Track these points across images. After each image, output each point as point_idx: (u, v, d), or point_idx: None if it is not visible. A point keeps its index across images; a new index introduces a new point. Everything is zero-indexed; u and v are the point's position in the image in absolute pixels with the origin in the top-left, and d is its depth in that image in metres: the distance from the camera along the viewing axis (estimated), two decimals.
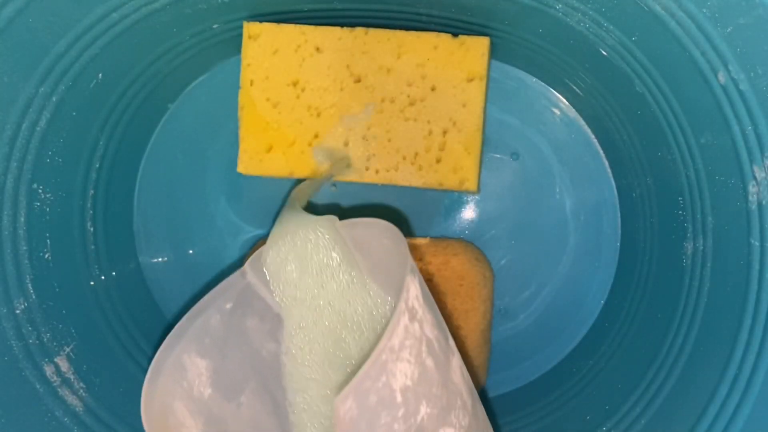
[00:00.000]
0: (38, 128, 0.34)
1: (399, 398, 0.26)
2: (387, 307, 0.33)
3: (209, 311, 0.33)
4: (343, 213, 0.44)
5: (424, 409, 0.27)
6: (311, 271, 0.33)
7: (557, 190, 0.43)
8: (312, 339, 0.34)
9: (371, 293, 0.33)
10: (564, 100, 0.43)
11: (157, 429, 0.30)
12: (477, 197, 0.43)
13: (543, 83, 0.42)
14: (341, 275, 0.33)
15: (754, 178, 0.27)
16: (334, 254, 0.33)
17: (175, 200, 0.44)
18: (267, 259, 0.34)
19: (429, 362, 0.28)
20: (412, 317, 0.27)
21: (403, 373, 0.26)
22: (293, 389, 0.34)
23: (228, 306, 0.34)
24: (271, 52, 0.38)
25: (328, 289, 0.33)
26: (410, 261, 0.29)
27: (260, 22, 0.38)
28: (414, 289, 0.28)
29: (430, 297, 0.30)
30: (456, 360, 0.31)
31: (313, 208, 0.37)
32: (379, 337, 0.29)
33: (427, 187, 0.38)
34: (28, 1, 0.30)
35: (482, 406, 0.33)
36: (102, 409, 0.35)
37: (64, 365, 0.35)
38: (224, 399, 0.33)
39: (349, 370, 0.33)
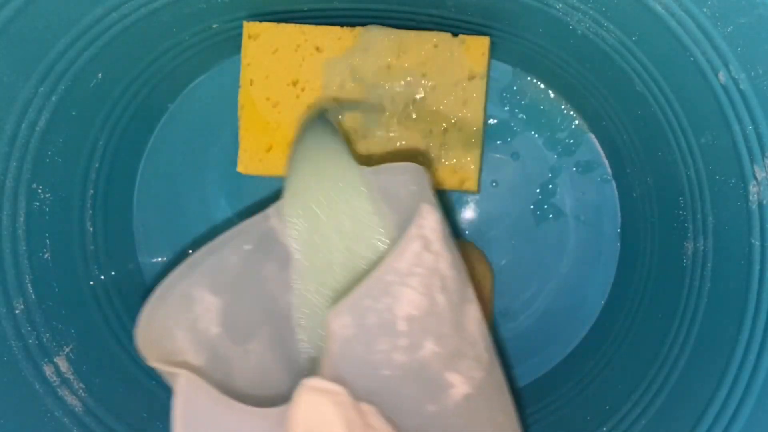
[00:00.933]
0: (38, 128, 0.34)
1: (402, 326, 0.25)
2: None
3: (226, 249, 0.31)
4: None
5: (430, 346, 0.25)
6: (336, 225, 0.32)
7: (557, 190, 0.43)
8: (325, 285, 0.32)
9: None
10: (564, 100, 0.43)
11: (149, 348, 0.28)
12: (477, 197, 0.43)
13: (543, 83, 0.42)
14: (367, 230, 0.31)
15: (755, 177, 0.27)
16: (361, 207, 0.31)
17: (175, 200, 0.44)
18: (292, 205, 0.32)
19: (441, 299, 0.26)
20: (426, 247, 0.26)
21: (409, 300, 0.25)
22: (302, 332, 0.32)
23: (247, 247, 0.32)
24: (271, 51, 0.38)
25: (352, 243, 0.31)
26: (432, 197, 0.27)
27: (260, 21, 0.38)
28: (432, 221, 0.26)
29: (452, 242, 0.28)
30: (473, 311, 0.29)
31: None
32: None
33: None
34: (28, 1, 0.30)
35: (503, 374, 0.31)
36: (102, 409, 0.35)
37: (63, 365, 0.35)
38: (232, 341, 0.31)
39: None
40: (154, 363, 0.27)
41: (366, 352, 0.25)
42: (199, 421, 0.25)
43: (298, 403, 0.23)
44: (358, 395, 0.24)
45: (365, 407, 0.24)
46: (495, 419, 0.29)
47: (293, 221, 0.32)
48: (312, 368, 0.30)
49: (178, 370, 0.25)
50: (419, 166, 0.30)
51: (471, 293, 0.29)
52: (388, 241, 0.31)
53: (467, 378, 0.27)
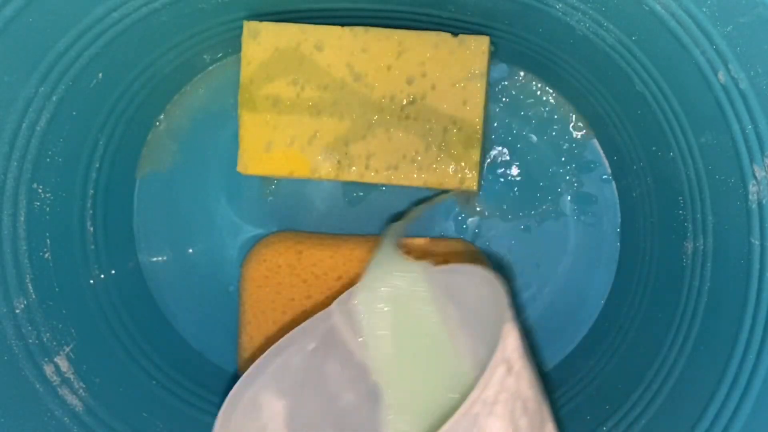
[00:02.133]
0: (38, 128, 0.34)
1: None
2: (474, 370, 0.32)
3: (291, 350, 0.32)
4: (355, 215, 0.44)
5: None
6: (400, 322, 0.32)
7: (557, 190, 0.43)
8: (397, 397, 0.32)
9: (460, 352, 0.32)
10: (564, 100, 0.43)
11: None
12: (477, 197, 0.43)
13: (543, 83, 0.42)
14: (431, 329, 0.32)
15: (755, 177, 0.27)
16: (426, 305, 0.32)
17: (175, 200, 0.44)
18: (357, 301, 0.33)
19: (523, 423, 0.26)
20: (509, 370, 0.26)
21: (494, 431, 0.25)
22: None
23: (311, 347, 0.33)
24: (271, 50, 0.38)
25: (416, 342, 0.32)
26: (509, 311, 0.28)
27: (260, 21, 0.38)
28: (513, 341, 0.26)
29: (528, 353, 0.29)
30: (551, 429, 0.29)
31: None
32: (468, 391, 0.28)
33: (427, 186, 0.38)
34: (28, 0, 0.30)
35: None
36: (102, 408, 0.35)
37: (63, 365, 0.35)
38: None
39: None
40: None
41: None
42: None
43: None
44: None
45: None
46: None
47: (359, 318, 0.33)
48: None
49: None
50: (492, 276, 0.31)
51: (547, 410, 0.29)
52: (452, 342, 0.32)
53: None
